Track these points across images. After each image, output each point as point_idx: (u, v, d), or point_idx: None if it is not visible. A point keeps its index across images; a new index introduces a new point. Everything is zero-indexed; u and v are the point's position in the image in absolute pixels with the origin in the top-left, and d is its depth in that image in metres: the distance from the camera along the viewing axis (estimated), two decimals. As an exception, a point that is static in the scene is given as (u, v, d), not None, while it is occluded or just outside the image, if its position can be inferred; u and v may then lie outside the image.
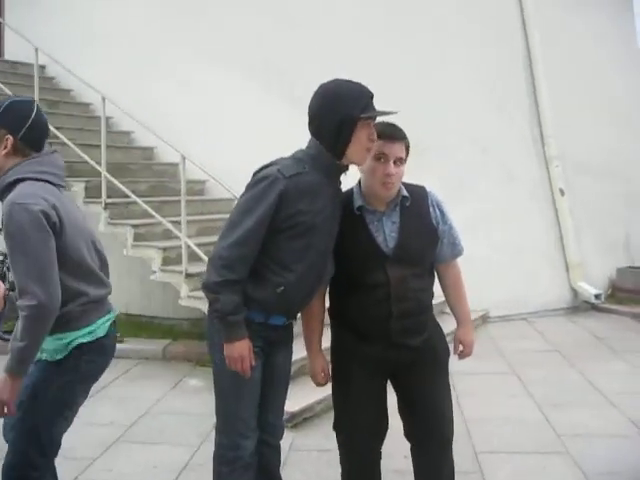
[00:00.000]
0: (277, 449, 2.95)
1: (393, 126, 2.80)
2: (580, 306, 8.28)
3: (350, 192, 2.83)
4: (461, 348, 3.06)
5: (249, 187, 2.63)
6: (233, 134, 7.88)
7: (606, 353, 6.42)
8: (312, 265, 2.68)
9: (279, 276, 2.61)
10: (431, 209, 2.87)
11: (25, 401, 2.50)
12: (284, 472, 3.96)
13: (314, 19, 8.01)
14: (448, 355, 3.00)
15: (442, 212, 2.91)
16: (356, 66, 7.71)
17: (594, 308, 8.24)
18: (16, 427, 2.54)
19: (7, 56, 9.79)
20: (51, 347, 2.52)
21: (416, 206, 2.84)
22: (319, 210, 2.61)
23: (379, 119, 2.67)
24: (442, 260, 2.95)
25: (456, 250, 2.98)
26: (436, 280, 2.99)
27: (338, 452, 2.97)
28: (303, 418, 4.71)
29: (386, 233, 2.80)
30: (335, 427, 2.95)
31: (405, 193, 2.82)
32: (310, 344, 2.94)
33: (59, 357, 2.54)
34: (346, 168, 2.69)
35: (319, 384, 2.97)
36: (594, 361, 6.08)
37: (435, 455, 2.94)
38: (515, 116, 8.44)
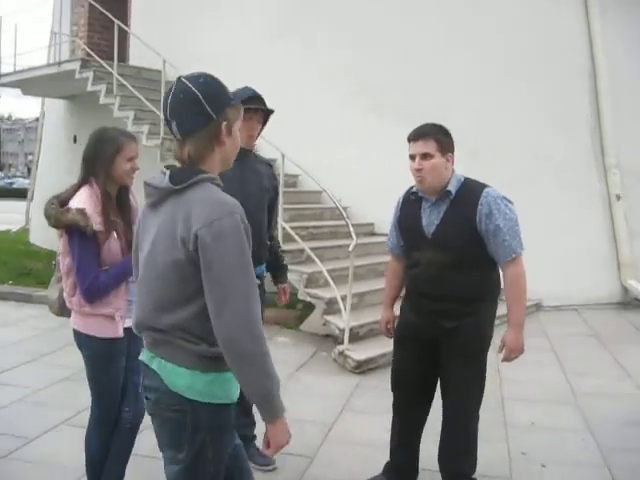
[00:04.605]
0: None
1: (419, 127, 3.23)
2: (631, 302, 8.99)
3: None
4: (503, 352, 3.19)
5: None
6: (320, 136, 9.10)
7: (640, 341, 7.26)
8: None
9: None
10: (479, 207, 3.11)
11: None
12: (351, 401, 5.16)
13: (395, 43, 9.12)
14: (481, 350, 3.23)
15: (491, 212, 3.09)
16: (425, 79, 8.87)
17: (644, 305, 8.97)
18: None
19: (131, 61, 11.26)
20: None
21: (463, 201, 3.16)
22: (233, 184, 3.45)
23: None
24: (497, 260, 3.16)
25: (505, 251, 3.10)
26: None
27: None
28: (368, 368, 5.87)
29: (431, 220, 3.23)
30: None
31: (450, 188, 3.18)
32: (384, 298, 3.66)
33: None
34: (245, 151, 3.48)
35: (385, 334, 3.64)
36: (626, 346, 6.91)
37: (448, 430, 3.37)
38: (577, 126, 9.21)
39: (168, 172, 2.11)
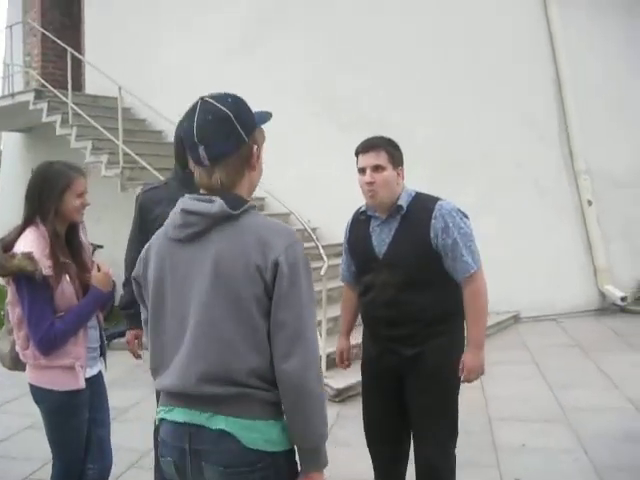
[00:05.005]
0: None
1: (368, 139, 3.04)
2: (608, 308, 8.86)
3: None
4: (465, 373, 2.96)
5: None
6: (284, 156, 8.90)
7: (623, 347, 7.10)
8: None
9: None
10: (433, 221, 2.88)
11: None
12: (333, 432, 4.92)
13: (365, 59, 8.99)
14: (450, 377, 2.96)
15: (447, 225, 2.86)
16: (394, 93, 8.73)
17: (623, 310, 8.79)
18: None
19: (87, 90, 11.00)
20: None
21: (416, 216, 2.92)
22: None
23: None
24: (455, 276, 2.92)
25: (463, 267, 2.88)
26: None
27: None
28: (348, 395, 5.63)
29: (382, 238, 2.98)
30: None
31: (401, 202, 2.94)
32: (341, 328, 3.42)
33: None
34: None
35: (339, 366, 3.42)
36: (609, 353, 6.78)
37: (419, 469, 3.06)
38: (546, 133, 9.13)
39: (217, 197, 1.84)
